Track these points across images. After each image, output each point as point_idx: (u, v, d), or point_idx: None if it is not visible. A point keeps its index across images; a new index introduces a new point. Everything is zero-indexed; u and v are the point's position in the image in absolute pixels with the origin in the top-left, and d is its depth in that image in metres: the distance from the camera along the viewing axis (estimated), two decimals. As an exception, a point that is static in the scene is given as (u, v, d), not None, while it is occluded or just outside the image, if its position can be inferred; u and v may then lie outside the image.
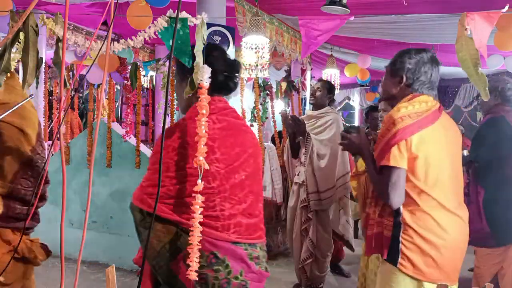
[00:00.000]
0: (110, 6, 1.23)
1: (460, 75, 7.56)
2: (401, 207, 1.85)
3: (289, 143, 3.67)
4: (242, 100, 5.23)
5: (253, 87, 5.02)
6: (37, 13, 1.47)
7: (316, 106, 3.73)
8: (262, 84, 5.03)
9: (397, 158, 1.79)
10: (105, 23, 4.96)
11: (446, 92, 8.41)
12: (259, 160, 1.71)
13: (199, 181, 1.46)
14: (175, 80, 1.78)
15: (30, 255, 1.76)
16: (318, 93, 3.70)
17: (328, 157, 3.48)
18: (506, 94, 3.25)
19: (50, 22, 1.46)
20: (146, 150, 4.59)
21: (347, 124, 7.80)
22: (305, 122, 3.61)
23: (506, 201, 3.10)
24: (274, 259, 4.68)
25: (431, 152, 1.83)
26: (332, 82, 6.16)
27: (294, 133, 3.49)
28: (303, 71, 6.44)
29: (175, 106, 4.73)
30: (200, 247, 1.44)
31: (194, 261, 1.43)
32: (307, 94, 6.51)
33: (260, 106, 5.01)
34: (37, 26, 1.49)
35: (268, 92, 5.12)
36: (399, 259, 1.83)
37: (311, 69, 6.65)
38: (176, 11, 1.40)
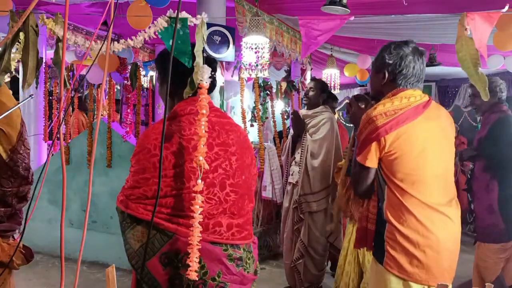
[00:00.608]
0: (110, 6, 1.23)
1: (460, 75, 7.56)
2: (383, 205, 1.84)
3: (292, 138, 3.70)
4: (242, 100, 5.23)
5: (253, 87, 5.02)
6: (37, 13, 1.47)
7: (310, 105, 3.73)
8: (262, 84, 5.03)
9: (368, 157, 1.81)
10: (105, 23, 4.96)
11: (446, 92, 8.41)
12: (246, 158, 1.67)
13: (199, 181, 1.45)
14: (157, 82, 1.79)
15: (5, 259, 1.73)
16: (311, 93, 3.71)
17: (322, 156, 3.48)
18: (502, 94, 3.34)
19: (50, 22, 1.46)
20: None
21: (344, 123, 7.80)
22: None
23: None
24: (274, 259, 4.68)
25: (410, 150, 1.78)
26: (332, 82, 6.19)
27: (298, 129, 3.53)
28: (303, 71, 6.44)
29: (175, 106, 4.74)
30: (200, 247, 1.44)
31: (194, 261, 1.43)
32: (307, 94, 6.51)
33: (260, 106, 5.01)
34: (37, 26, 1.49)
35: (268, 92, 5.12)
36: (385, 258, 1.81)
37: (311, 69, 6.65)
38: (176, 11, 1.40)
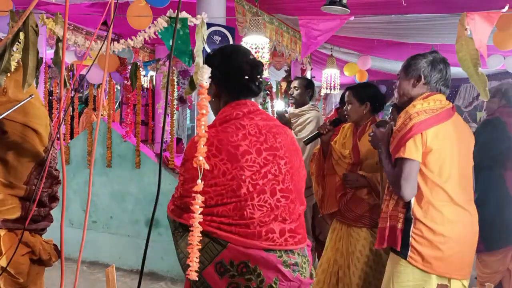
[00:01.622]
0: (110, 6, 1.23)
1: (460, 75, 7.54)
2: (412, 202, 1.91)
3: None
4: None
5: (253, 87, 5.01)
6: (37, 13, 1.47)
7: (297, 104, 3.70)
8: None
9: (412, 150, 1.86)
10: (105, 23, 4.96)
11: (446, 92, 8.40)
12: (295, 161, 1.64)
13: (199, 181, 1.45)
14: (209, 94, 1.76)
15: (46, 257, 1.75)
16: (296, 92, 3.68)
17: (306, 155, 3.40)
18: (509, 95, 3.23)
19: (50, 22, 1.46)
20: (146, 150, 4.59)
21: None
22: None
23: (496, 203, 3.05)
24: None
25: (445, 147, 1.90)
26: (332, 82, 6.19)
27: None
28: (303, 71, 6.44)
29: (175, 106, 4.73)
30: (200, 247, 1.44)
31: (194, 261, 1.43)
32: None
33: (260, 106, 5.02)
34: (37, 26, 1.49)
35: (268, 92, 5.12)
36: (409, 253, 1.89)
37: (311, 69, 6.65)
38: (176, 11, 1.40)
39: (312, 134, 2.94)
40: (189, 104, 7.71)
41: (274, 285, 1.48)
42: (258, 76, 1.63)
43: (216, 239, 1.48)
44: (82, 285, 3.78)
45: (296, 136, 3.51)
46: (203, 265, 1.48)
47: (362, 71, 7.06)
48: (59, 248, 1.86)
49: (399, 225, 1.94)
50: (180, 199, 1.55)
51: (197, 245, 1.45)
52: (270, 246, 1.49)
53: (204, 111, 1.48)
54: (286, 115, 3.61)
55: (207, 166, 1.46)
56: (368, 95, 2.78)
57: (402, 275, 1.93)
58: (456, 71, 7.50)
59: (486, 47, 2.28)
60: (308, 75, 6.47)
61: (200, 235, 1.46)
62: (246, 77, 1.59)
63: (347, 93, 2.84)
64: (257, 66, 1.63)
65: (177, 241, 1.56)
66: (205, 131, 1.45)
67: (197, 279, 1.44)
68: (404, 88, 2.07)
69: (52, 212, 1.86)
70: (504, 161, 3.08)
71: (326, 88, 6.32)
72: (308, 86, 3.72)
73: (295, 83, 3.74)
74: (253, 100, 1.65)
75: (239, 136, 1.52)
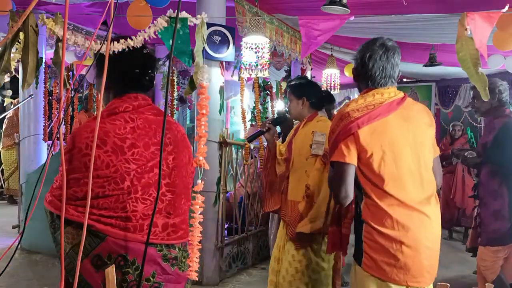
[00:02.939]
0: (110, 6, 1.23)
1: (460, 75, 7.55)
2: (361, 205, 1.81)
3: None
4: (242, 100, 5.24)
5: (253, 87, 5.02)
6: (37, 13, 1.47)
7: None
8: (262, 84, 5.03)
9: (344, 153, 1.76)
10: (105, 23, 4.95)
11: (446, 92, 8.39)
12: (183, 157, 1.63)
13: (198, 181, 1.45)
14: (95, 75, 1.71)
15: None
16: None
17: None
18: (502, 95, 3.27)
19: (50, 22, 1.46)
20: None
21: None
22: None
23: None
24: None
25: (384, 146, 1.76)
26: (332, 82, 6.19)
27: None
28: (303, 71, 6.43)
29: (175, 106, 4.73)
30: (200, 246, 1.44)
31: (194, 261, 1.43)
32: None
33: (260, 106, 5.02)
34: (37, 26, 1.49)
35: (268, 92, 5.12)
36: (363, 259, 1.79)
37: (311, 69, 6.64)
38: (176, 11, 1.40)
39: (254, 133, 2.94)
40: (189, 104, 7.70)
41: (151, 278, 1.49)
42: (150, 71, 1.62)
43: (94, 232, 1.46)
44: (82, 285, 3.77)
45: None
46: (81, 258, 1.43)
47: (362, 71, 7.06)
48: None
49: (344, 230, 1.90)
50: (59, 190, 1.52)
51: (197, 245, 1.45)
52: (152, 239, 1.48)
53: (204, 111, 1.49)
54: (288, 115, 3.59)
55: (207, 166, 1.46)
56: (304, 90, 2.78)
57: (359, 283, 1.83)
58: (456, 71, 7.49)
59: (486, 47, 2.28)
60: (308, 75, 6.47)
61: (199, 235, 1.46)
62: (137, 70, 1.59)
63: (288, 90, 2.86)
64: (149, 60, 1.63)
65: (54, 233, 1.54)
66: (101, 124, 1.43)
67: (197, 279, 1.45)
68: (354, 80, 2.01)
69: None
70: None
71: (326, 88, 6.32)
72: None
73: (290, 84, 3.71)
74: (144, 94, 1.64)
75: (127, 129, 1.51)
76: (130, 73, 1.58)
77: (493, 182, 3.31)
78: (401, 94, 1.86)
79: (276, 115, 3.37)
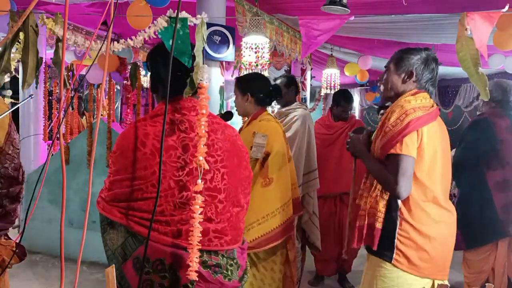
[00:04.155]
0: (110, 6, 1.23)
1: (460, 75, 7.57)
2: (399, 202, 1.86)
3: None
4: (242, 100, 5.22)
5: (253, 87, 5.01)
6: (37, 13, 1.47)
7: (283, 104, 3.55)
8: (262, 84, 5.02)
9: (409, 147, 1.81)
10: (105, 23, 4.96)
11: (446, 92, 8.40)
12: (231, 161, 1.60)
13: (199, 181, 1.45)
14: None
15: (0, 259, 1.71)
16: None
17: (293, 154, 3.21)
18: (494, 95, 3.20)
19: (50, 22, 1.46)
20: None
21: None
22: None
23: (478, 202, 3.06)
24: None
25: (434, 146, 1.87)
26: (332, 82, 6.19)
27: None
28: (303, 71, 6.44)
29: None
30: (200, 246, 1.44)
31: (194, 261, 1.43)
32: (307, 94, 6.52)
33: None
34: (37, 26, 1.49)
35: (268, 92, 5.11)
36: (394, 255, 1.85)
37: (311, 69, 6.65)
38: (176, 11, 1.40)
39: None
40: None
41: (190, 285, 1.45)
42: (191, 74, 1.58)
43: (134, 234, 1.45)
44: (82, 285, 3.78)
45: None
46: (123, 259, 1.47)
47: (363, 71, 7.06)
48: (25, 249, 1.82)
49: (378, 224, 1.88)
50: (107, 191, 1.53)
51: (197, 245, 1.45)
52: (189, 246, 1.44)
53: (204, 111, 1.49)
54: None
55: (207, 166, 1.46)
56: (248, 86, 2.62)
57: (386, 279, 1.88)
58: (456, 71, 7.48)
59: (486, 47, 2.27)
60: (308, 75, 6.47)
61: (200, 235, 1.46)
62: (179, 73, 1.55)
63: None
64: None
65: (103, 234, 1.54)
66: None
67: (197, 279, 1.44)
68: (392, 82, 1.99)
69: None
70: (488, 162, 3.07)
71: (326, 88, 6.32)
72: (290, 84, 3.55)
73: (277, 84, 3.54)
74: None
75: (166, 131, 1.48)
76: (174, 75, 1.54)
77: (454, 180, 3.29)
78: (435, 103, 1.98)
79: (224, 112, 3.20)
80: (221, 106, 4.01)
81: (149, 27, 1.53)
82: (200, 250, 1.45)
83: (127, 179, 1.46)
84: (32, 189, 1.75)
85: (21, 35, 1.48)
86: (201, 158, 1.44)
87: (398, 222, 1.86)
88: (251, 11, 4.10)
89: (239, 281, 1.58)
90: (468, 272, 3.22)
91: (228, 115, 2.47)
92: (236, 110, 2.69)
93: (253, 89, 2.60)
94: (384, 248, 1.88)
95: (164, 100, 1.55)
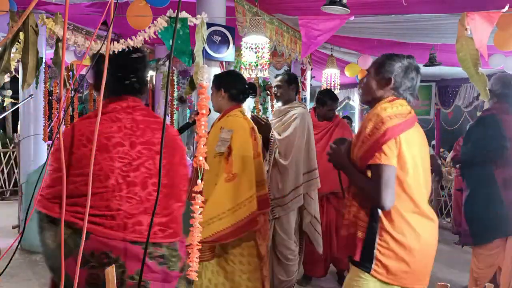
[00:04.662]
0: (110, 6, 1.23)
1: (460, 75, 7.56)
2: (379, 211, 1.81)
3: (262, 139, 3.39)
4: (242, 100, 5.23)
5: (253, 87, 5.01)
6: (37, 13, 1.47)
7: (283, 101, 3.51)
8: (262, 84, 5.03)
9: (389, 156, 1.76)
10: (105, 23, 4.95)
11: (446, 92, 8.40)
12: (174, 158, 1.64)
13: (198, 181, 1.46)
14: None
15: None
16: (279, 90, 3.49)
17: (292, 154, 3.21)
18: (498, 92, 3.22)
19: (50, 22, 1.46)
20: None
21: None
22: (274, 118, 3.44)
23: (486, 199, 3.08)
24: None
25: (413, 154, 1.82)
26: (332, 82, 6.19)
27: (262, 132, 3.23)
28: (303, 71, 6.44)
29: (174, 106, 4.73)
30: (200, 247, 1.44)
31: (194, 261, 1.43)
32: (307, 94, 6.52)
33: (260, 106, 5.02)
34: (37, 26, 1.49)
35: (268, 92, 5.12)
36: (373, 266, 1.81)
37: (311, 69, 6.65)
38: (176, 11, 1.40)
39: (182, 125, 2.90)
40: (189, 104, 7.71)
41: (135, 276, 1.49)
42: (133, 75, 1.63)
43: (78, 230, 1.46)
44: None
45: (280, 136, 3.26)
46: (65, 256, 1.43)
47: (363, 71, 7.07)
48: None
49: (360, 234, 1.84)
50: (48, 188, 1.54)
51: (197, 245, 1.45)
52: (136, 238, 1.50)
53: (204, 111, 1.49)
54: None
55: (207, 167, 1.47)
56: (222, 82, 2.67)
57: None
58: (456, 71, 7.49)
59: (486, 47, 2.28)
60: (308, 75, 6.47)
61: (199, 235, 1.46)
62: (119, 74, 1.60)
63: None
64: (133, 64, 1.63)
65: (41, 232, 1.55)
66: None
67: (197, 279, 1.45)
68: (371, 87, 1.96)
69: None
70: (496, 159, 3.08)
71: (327, 88, 6.32)
72: (291, 81, 3.50)
73: (277, 80, 3.55)
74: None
75: (113, 128, 1.54)
76: (117, 76, 1.59)
77: (461, 178, 3.31)
78: (412, 110, 1.95)
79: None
80: (221, 106, 4.01)
81: (149, 27, 1.53)
82: (145, 243, 1.48)
83: (72, 175, 1.48)
84: (32, 189, 1.75)
85: (21, 35, 1.48)
86: (201, 158, 1.44)
87: (378, 232, 1.81)
88: (251, 11, 4.11)
89: (180, 272, 1.62)
90: (478, 267, 3.24)
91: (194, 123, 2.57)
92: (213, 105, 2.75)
93: (227, 85, 2.67)
94: (364, 256, 1.84)
95: (107, 99, 1.61)
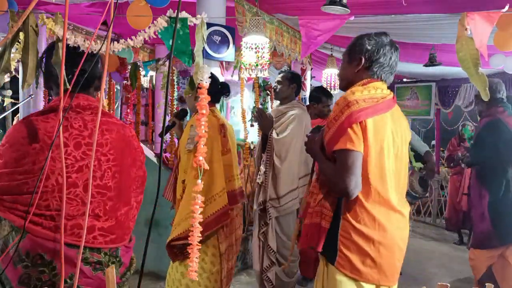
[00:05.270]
0: (110, 6, 1.23)
1: (460, 75, 7.55)
2: (342, 199, 1.73)
3: (261, 136, 3.39)
4: (242, 100, 5.24)
5: (253, 87, 5.02)
6: (37, 13, 1.47)
7: (282, 100, 3.44)
8: (262, 84, 5.03)
9: (353, 140, 1.66)
10: (105, 23, 4.95)
11: (446, 92, 8.39)
12: (124, 159, 1.61)
13: (199, 181, 1.45)
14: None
15: None
16: (279, 87, 3.42)
17: (289, 156, 3.18)
18: (496, 94, 3.29)
19: (50, 22, 1.46)
20: (146, 150, 4.58)
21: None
22: (273, 117, 3.35)
23: (510, 202, 3.19)
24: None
25: (382, 142, 1.72)
26: (332, 82, 6.19)
27: (264, 128, 3.23)
28: (303, 71, 6.44)
29: (175, 106, 4.73)
30: (200, 247, 1.44)
31: (194, 261, 1.43)
32: (307, 94, 6.52)
33: (260, 106, 5.01)
34: (37, 26, 1.49)
35: (268, 92, 5.12)
36: (337, 258, 1.73)
37: (311, 69, 6.65)
38: (176, 11, 1.40)
39: (165, 126, 2.89)
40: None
41: (68, 280, 1.45)
42: (87, 68, 1.54)
43: (17, 228, 1.44)
44: (82, 285, 3.77)
45: (277, 136, 3.21)
46: (1, 253, 1.45)
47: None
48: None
49: (324, 223, 1.75)
50: None
51: (197, 245, 1.45)
52: (73, 241, 1.46)
53: (204, 111, 1.49)
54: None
55: (206, 166, 1.46)
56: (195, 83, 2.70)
57: (330, 283, 1.76)
58: (456, 71, 7.47)
59: (486, 47, 2.27)
60: (308, 75, 6.47)
61: (199, 235, 1.46)
62: (71, 74, 1.51)
63: None
64: (83, 57, 1.55)
65: None
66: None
67: (197, 279, 1.45)
68: (345, 72, 1.89)
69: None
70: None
71: (326, 88, 6.32)
72: (292, 80, 3.43)
73: (278, 77, 3.49)
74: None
75: (56, 128, 1.47)
76: (54, 72, 1.54)
77: (477, 183, 3.34)
78: (392, 94, 1.84)
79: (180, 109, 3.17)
80: (221, 106, 4.01)
81: (149, 27, 1.53)
82: (84, 247, 1.46)
83: (15, 172, 1.45)
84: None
85: (21, 35, 1.48)
86: (201, 158, 1.44)
87: (340, 222, 1.73)
88: (251, 11, 4.10)
89: (120, 278, 1.60)
90: (477, 258, 3.40)
91: (183, 113, 2.63)
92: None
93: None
94: (329, 249, 1.76)
95: (57, 97, 1.57)
